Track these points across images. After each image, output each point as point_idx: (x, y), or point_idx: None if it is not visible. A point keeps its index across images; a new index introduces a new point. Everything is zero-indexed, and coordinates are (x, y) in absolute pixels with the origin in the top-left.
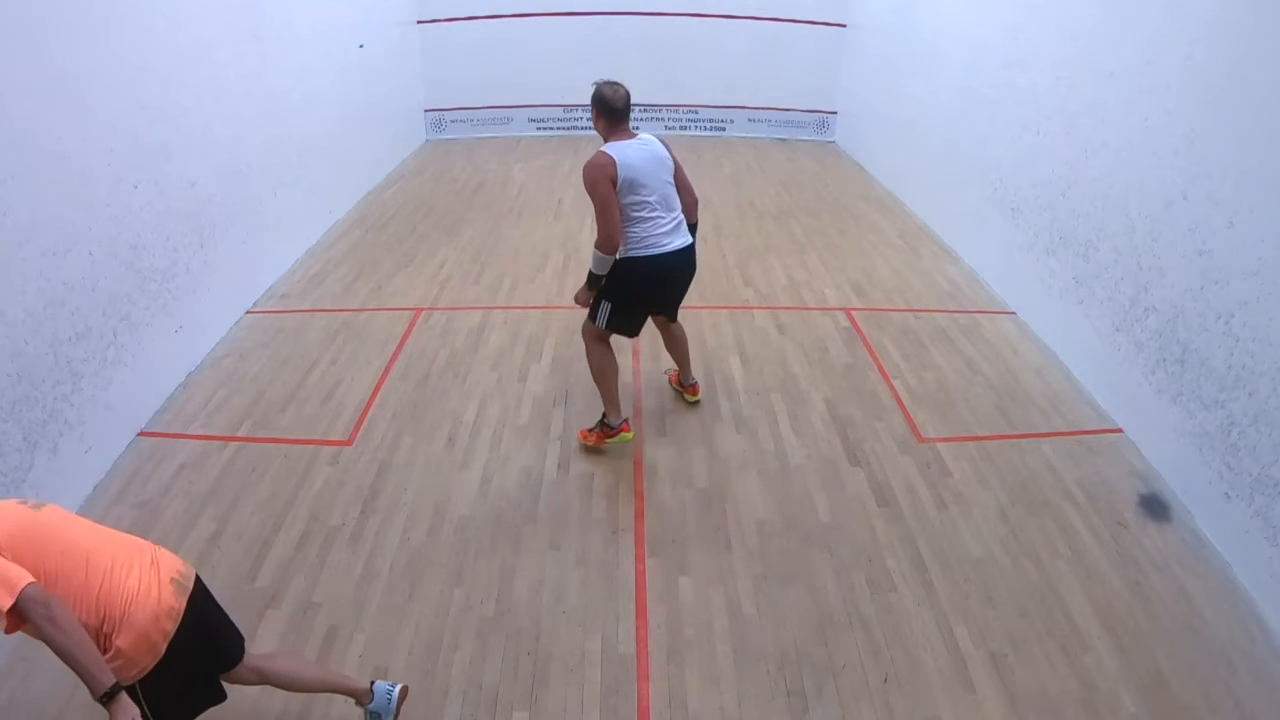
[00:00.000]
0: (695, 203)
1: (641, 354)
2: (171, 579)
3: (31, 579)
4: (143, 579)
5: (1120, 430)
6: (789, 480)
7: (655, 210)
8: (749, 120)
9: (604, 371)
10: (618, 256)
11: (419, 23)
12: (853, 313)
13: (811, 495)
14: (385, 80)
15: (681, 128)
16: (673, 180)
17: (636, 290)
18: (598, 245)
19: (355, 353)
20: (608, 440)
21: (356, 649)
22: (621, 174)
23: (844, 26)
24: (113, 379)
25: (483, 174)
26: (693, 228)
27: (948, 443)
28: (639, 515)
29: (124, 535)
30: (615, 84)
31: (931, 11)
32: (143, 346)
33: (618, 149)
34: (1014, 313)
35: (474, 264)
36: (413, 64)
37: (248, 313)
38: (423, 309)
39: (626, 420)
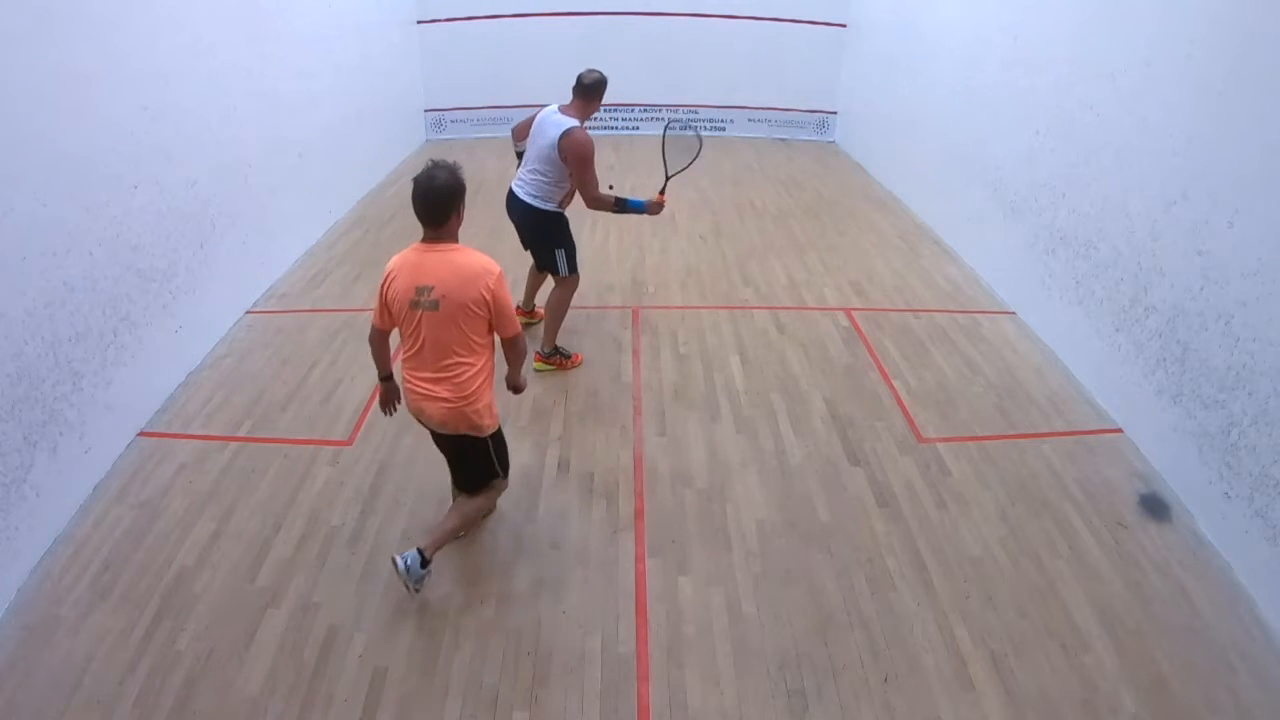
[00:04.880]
0: (586, 202)
1: (641, 354)
2: None
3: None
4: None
5: (1120, 430)
6: (789, 480)
7: (523, 160)
8: (749, 120)
9: None
10: None
11: (419, 23)
12: (853, 313)
13: (811, 495)
14: (385, 80)
15: (682, 128)
16: (546, 155)
17: None
18: None
19: (355, 353)
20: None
21: (357, 649)
22: (536, 117)
23: (844, 26)
24: (113, 379)
25: (483, 174)
26: (620, 203)
27: (948, 443)
28: (639, 515)
29: None
30: (593, 70)
31: (931, 11)
32: (143, 346)
33: (551, 108)
34: (1014, 313)
35: None
36: (413, 64)
37: (248, 313)
38: None
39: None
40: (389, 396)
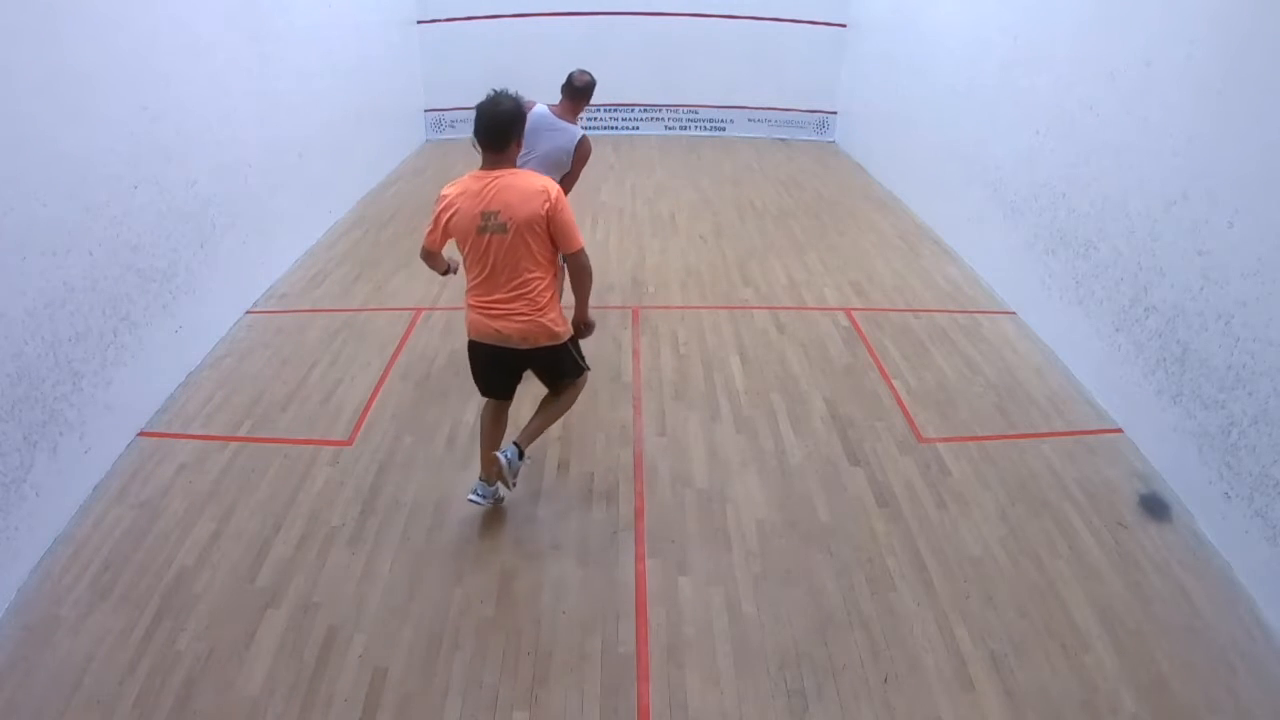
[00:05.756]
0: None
1: (641, 353)
2: None
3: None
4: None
5: (1120, 430)
6: (789, 480)
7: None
8: (749, 120)
9: None
10: None
11: (419, 23)
12: (853, 313)
13: (811, 495)
14: (385, 80)
15: (681, 128)
16: (555, 159)
17: None
18: None
19: (355, 353)
20: None
21: (356, 649)
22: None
23: (844, 26)
24: (113, 379)
25: None
26: None
27: (948, 443)
28: (639, 515)
29: None
30: (585, 71)
31: (931, 11)
32: (143, 346)
33: (541, 109)
34: (1014, 313)
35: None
36: (413, 64)
37: (248, 313)
38: (423, 309)
39: None
40: (456, 268)
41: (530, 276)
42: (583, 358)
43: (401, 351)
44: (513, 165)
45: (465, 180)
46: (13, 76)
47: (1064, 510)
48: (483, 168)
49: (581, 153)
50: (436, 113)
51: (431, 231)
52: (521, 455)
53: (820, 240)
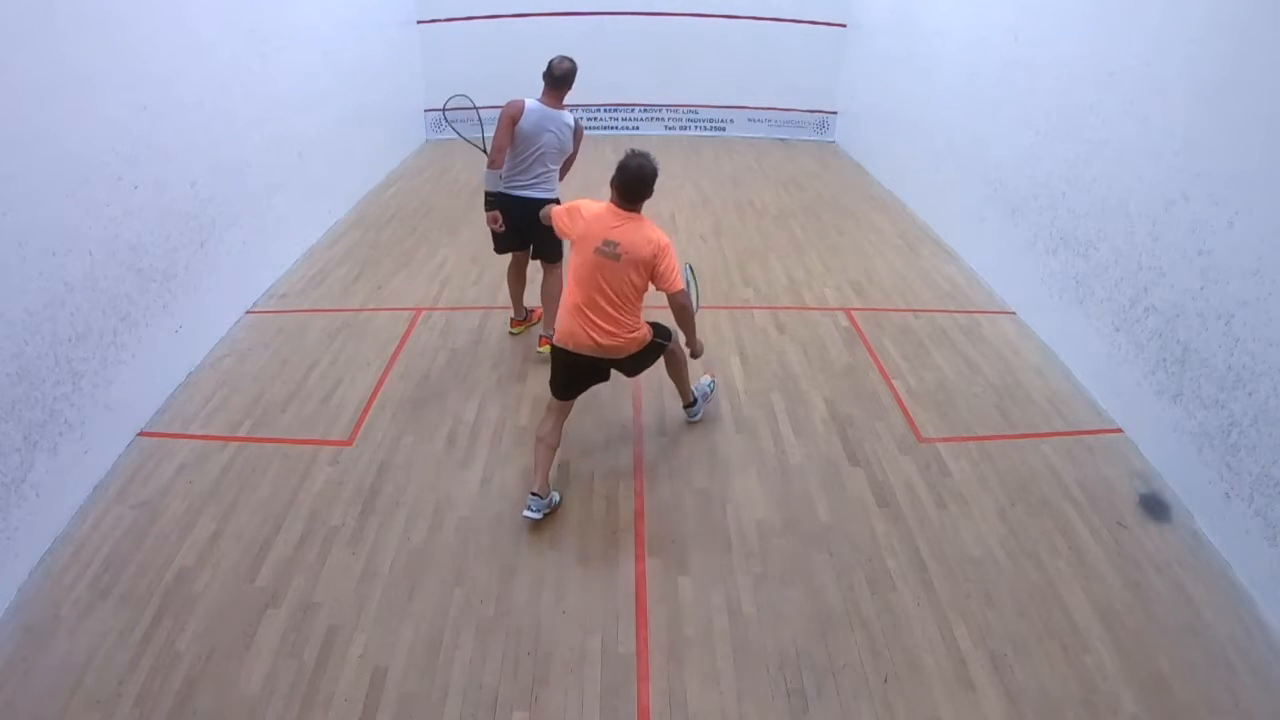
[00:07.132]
0: (566, 167)
1: None
2: None
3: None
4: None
5: (1120, 430)
6: (789, 480)
7: (524, 162)
8: (749, 120)
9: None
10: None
11: (419, 23)
12: (853, 313)
13: (811, 495)
14: (385, 80)
15: (681, 128)
16: (561, 148)
17: (495, 215)
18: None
19: (355, 353)
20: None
21: (356, 649)
22: (520, 122)
23: (844, 26)
24: (113, 379)
25: (483, 174)
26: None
27: (948, 443)
28: (639, 515)
29: None
30: (565, 58)
31: (931, 11)
32: (143, 346)
33: (532, 104)
34: (1014, 313)
35: (474, 264)
36: (413, 64)
37: (248, 313)
38: (423, 309)
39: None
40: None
41: (630, 298)
42: (665, 333)
43: (401, 351)
44: (639, 213)
45: (603, 210)
46: (13, 76)
47: (1064, 510)
48: (618, 207)
49: (579, 134)
50: (436, 113)
51: (567, 217)
52: (694, 401)
53: (820, 240)
